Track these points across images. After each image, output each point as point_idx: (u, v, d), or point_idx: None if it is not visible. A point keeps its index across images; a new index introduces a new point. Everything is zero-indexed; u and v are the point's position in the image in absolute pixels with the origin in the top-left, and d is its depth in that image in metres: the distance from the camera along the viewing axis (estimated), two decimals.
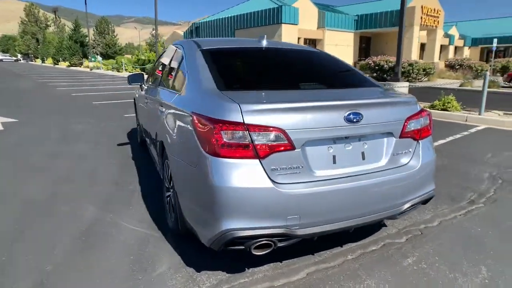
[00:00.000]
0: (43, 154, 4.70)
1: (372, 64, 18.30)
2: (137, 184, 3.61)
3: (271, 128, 1.78)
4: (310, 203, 1.84)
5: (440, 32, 29.13)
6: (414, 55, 27.06)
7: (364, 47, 32.94)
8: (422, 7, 25.99)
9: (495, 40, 21.24)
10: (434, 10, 27.36)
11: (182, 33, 43.16)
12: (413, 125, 2.19)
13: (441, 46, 30.94)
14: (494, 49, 21.70)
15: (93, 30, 58.90)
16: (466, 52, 36.70)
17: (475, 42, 37.03)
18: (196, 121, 1.92)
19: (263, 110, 1.80)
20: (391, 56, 25.18)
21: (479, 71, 21.38)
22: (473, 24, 39.14)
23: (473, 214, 3.02)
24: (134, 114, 5.42)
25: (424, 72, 18.26)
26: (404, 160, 2.18)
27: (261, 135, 1.77)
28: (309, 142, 1.86)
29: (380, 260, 2.30)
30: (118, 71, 30.04)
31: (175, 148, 2.20)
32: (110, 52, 62.78)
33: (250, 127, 1.76)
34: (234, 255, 2.28)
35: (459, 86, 16.42)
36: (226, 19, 31.11)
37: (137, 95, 4.69)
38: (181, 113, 2.22)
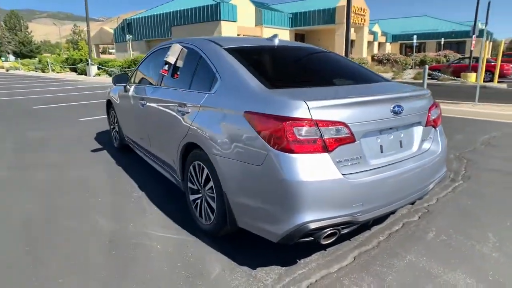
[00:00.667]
0: (13, 166, 4.19)
1: None
2: (139, 190, 3.44)
3: (337, 123, 1.89)
4: (370, 191, 1.98)
5: (366, 29, 31.55)
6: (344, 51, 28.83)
7: None
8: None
9: (415, 37, 23.76)
10: (361, 9, 29.55)
11: (110, 30, 40.55)
12: (432, 114, 2.46)
13: (368, 42, 33.56)
14: (415, 44, 24.21)
15: (1, 26, 52.45)
16: (388, 47, 40.28)
17: (395, 38, 40.83)
18: (258, 120, 1.94)
19: (327, 106, 1.89)
20: (330, 49, 26.57)
21: (404, 64, 23.74)
22: (393, 22, 43.08)
23: (459, 190, 3.45)
24: (95, 118, 5.08)
25: None
26: (427, 145, 2.44)
27: (328, 129, 1.87)
28: (365, 134, 2.01)
29: (407, 238, 2.55)
30: (44, 72, 27.22)
31: (222, 149, 2.17)
32: (25, 51, 56.56)
33: (318, 123, 1.85)
34: (277, 248, 2.35)
35: (392, 78, 18.06)
36: (162, 15, 30.05)
37: (116, 98, 4.40)
38: (226, 113, 2.21)
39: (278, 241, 1.97)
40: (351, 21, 29.07)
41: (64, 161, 4.39)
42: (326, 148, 1.86)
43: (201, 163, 2.47)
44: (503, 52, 15.41)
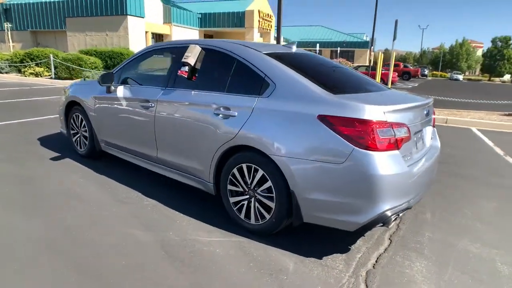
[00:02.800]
0: None
1: None
2: (147, 198, 3.24)
3: (402, 124, 2.24)
4: (416, 180, 2.40)
5: (272, 35, 33.48)
6: None
7: None
8: (259, 11, 29.24)
9: (318, 45, 26.33)
10: (268, 15, 31.25)
11: None
12: (433, 116, 3.03)
13: None
14: (318, 52, 26.79)
15: None
16: None
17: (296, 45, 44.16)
18: (339, 123, 2.16)
19: (395, 110, 2.24)
20: None
21: None
22: (293, 30, 46.60)
23: None
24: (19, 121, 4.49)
25: None
26: (433, 142, 3.00)
27: (398, 130, 2.21)
28: (413, 133, 2.42)
29: (417, 220, 3.07)
30: None
31: (290, 150, 2.31)
32: None
33: (393, 125, 2.17)
34: (321, 240, 2.61)
35: None
36: (53, 3, 26.58)
37: (91, 99, 3.95)
38: (291, 116, 2.36)
39: (355, 230, 2.23)
40: (260, 26, 30.52)
41: (28, 173, 3.77)
42: (397, 145, 2.20)
43: (253, 165, 2.54)
44: (384, 62, 18.33)
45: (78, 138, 4.36)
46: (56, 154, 4.42)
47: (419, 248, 2.59)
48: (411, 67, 37.06)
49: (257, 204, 2.60)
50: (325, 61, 3.35)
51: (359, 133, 2.12)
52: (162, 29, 27.97)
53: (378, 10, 17.18)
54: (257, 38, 30.48)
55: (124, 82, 3.72)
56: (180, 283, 2.07)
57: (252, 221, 2.64)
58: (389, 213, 2.17)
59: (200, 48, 3.05)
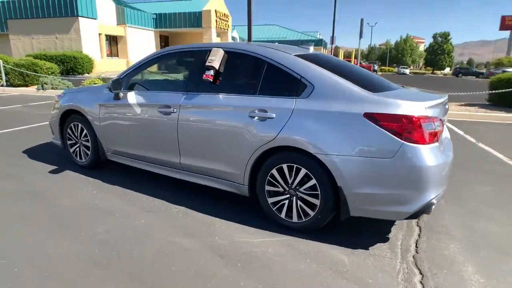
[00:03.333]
0: None
1: None
2: (173, 204, 3.18)
3: (438, 118, 2.44)
4: (448, 170, 2.60)
5: (229, 35, 33.47)
6: None
7: (164, 46, 33.66)
8: (215, 11, 29.08)
9: (277, 44, 26.81)
10: (224, 14, 31.19)
11: None
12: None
13: None
14: None
15: None
16: None
17: None
18: (386, 120, 2.30)
19: (431, 106, 2.43)
20: None
21: None
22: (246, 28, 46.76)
23: None
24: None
25: None
26: (446, 134, 3.25)
27: (436, 124, 2.40)
28: (442, 126, 2.63)
29: None
30: None
31: (336, 147, 2.41)
32: None
33: (433, 119, 2.36)
34: (352, 231, 2.77)
35: None
36: None
37: (94, 107, 3.76)
38: (336, 115, 2.46)
39: (404, 219, 2.39)
40: (217, 25, 30.38)
41: (34, 189, 3.51)
42: (437, 138, 2.39)
43: (295, 165, 2.61)
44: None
45: (78, 149, 4.12)
46: (52, 167, 4.14)
47: (447, 231, 2.82)
48: (364, 63, 38.98)
49: (299, 203, 2.67)
50: (341, 61, 3.48)
51: (407, 128, 2.28)
52: (116, 30, 26.87)
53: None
54: (214, 38, 30.31)
55: (131, 87, 3.60)
56: (252, 284, 2.09)
57: (295, 219, 2.71)
58: (434, 201, 2.35)
59: (223, 52, 3.05)
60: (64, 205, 3.14)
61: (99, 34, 24.66)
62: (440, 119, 2.50)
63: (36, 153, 4.73)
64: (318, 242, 2.59)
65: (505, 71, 25.21)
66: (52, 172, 4.00)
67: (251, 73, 2.96)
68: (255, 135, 2.74)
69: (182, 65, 3.62)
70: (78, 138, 4.08)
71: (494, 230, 2.85)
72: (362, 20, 13.75)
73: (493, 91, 9.84)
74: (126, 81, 3.61)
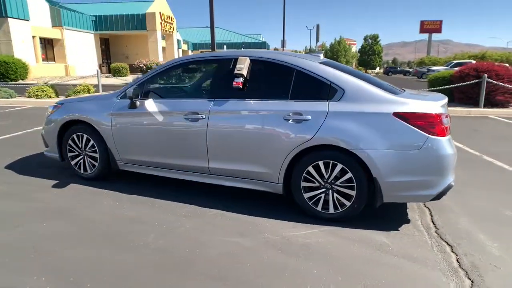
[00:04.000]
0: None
1: (144, 67, 18.75)
2: (205, 209, 3.27)
3: (447, 115, 2.89)
4: None
5: (175, 37, 32.86)
6: (161, 58, 29.31)
7: (104, 49, 32.03)
8: (160, 13, 28.38)
9: (225, 46, 26.99)
10: (169, 17, 30.57)
11: None
12: None
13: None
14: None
15: None
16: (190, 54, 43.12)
17: (195, 46, 44.10)
18: (413, 118, 2.70)
19: (442, 104, 2.87)
20: (144, 58, 26.28)
21: None
22: (190, 31, 46.28)
23: None
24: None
25: None
26: None
27: (448, 120, 2.85)
28: None
29: None
30: None
31: (371, 143, 2.74)
32: None
33: (446, 115, 2.81)
34: (380, 218, 3.16)
35: None
36: None
37: (104, 117, 3.67)
38: (367, 115, 2.80)
39: (429, 200, 2.80)
40: (162, 28, 29.68)
41: (51, 206, 3.34)
42: (449, 131, 2.84)
43: (331, 161, 2.90)
44: None
45: (81, 161, 3.98)
46: (52, 181, 3.94)
47: (450, 209, 3.31)
48: None
49: (335, 195, 2.97)
50: (349, 67, 3.85)
51: (431, 124, 2.70)
52: (52, 33, 24.96)
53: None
54: (160, 40, 29.58)
55: (147, 96, 3.60)
56: (323, 270, 2.33)
57: (331, 210, 3.00)
58: (453, 183, 2.81)
59: (249, 60, 3.24)
60: (96, 219, 3.07)
61: (33, 37, 22.69)
62: (449, 115, 2.97)
63: (23, 168, 4.43)
64: (356, 229, 2.90)
65: (430, 69, 28.35)
66: (56, 186, 3.81)
67: (281, 79, 3.18)
68: (292, 136, 2.97)
69: (202, 72, 3.71)
70: (83, 149, 3.94)
71: (484, 205, 3.42)
72: (318, 26, 14.53)
73: (432, 88, 11.12)
74: (141, 90, 3.60)
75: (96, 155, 3.86)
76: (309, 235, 2.81)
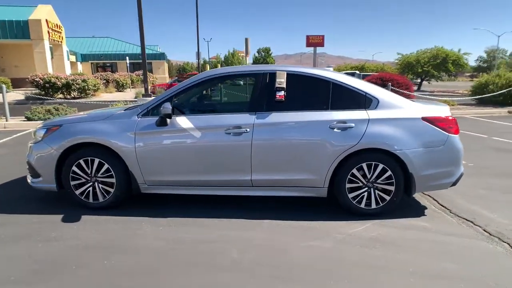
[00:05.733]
0: None
1: (41, 81, 16.39)
2: (255, 221, 3.32)
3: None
4: None
5: (64, 48, 29.47)
6: (50, 70, 25.98)
7: None
8: (47, 21, 25.16)
9: (127, 58, 25.50)
10: (57, 25, 27.36)
11: None
12: None
13: None
14: (128, 64, 25.70)
15: None
16: (80, 67, 39.09)
17: (85, 58, 40.17)
18: (436, 121, 3.31)
19: (449, 110, 3.58)
20: (26, 70, 23.03)
21: (124, 84, 24.93)
22: (78, 41, 41.89)
23: None
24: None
25: (95, 88, 18.90)
26: None
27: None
28: None
29: None
30: None
31: (408, 144, 3.25)
32: None
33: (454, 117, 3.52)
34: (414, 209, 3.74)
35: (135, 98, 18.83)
36: None
37: (130, 139, 3.36)
38: (402, 120, 3.30)
39: (449, 187, 3.45)
40: (50, 37, 26.41)
41: (86, 243, 2.89)
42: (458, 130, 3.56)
43: (373, 162, 3.32)
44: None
45: (89, 189, 3.52)
46: (59, 215, 3.38)
47: (448, 194, 4.07)
48: None
49: (377, 192, 3.39)
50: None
51: (449, 125, 3.35)
52: None
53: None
54: (48, 50, 26.18)
55: (174, 112, 3.44)
56: (405, 257, 2.70)
57: (373, 206, 3.41)
58: (463, 172, 3.51)
59: (286, 74, 3.44)
60: (157, 247, 2.82)
61: None
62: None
63: (11, 204, 3.65)
64: (396, 219, 3.37)
65: None
66: (70, 220, 3.30)
67: (319, 91, 3.46)
68: (338, 143, 3.29)
69: (234, 86, 3.69)
70: (91, 175, 3.49)
71: (466, 189, 4.31)
72: (247, 39, 15.01)
73: None
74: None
75: (112, 180, 3.48)
76: (367, 229, 3.15)
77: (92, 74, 32.31)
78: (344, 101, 3.45)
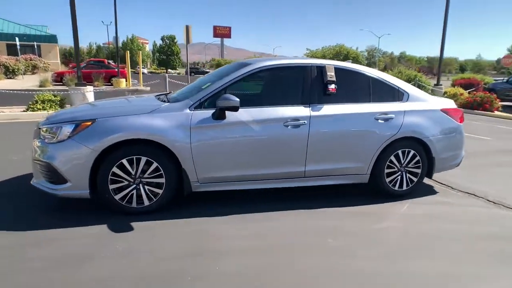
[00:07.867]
0: None
1: None
2: (304, 211, 3.44)
3: None
4: None
5: None
6: None
7: None
8: None
9: (17, 38, 21.53)
10: None
11: None
12: None
13: None
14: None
15: None
16: None
17: None
18: (451, 112, 3.91)
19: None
20: None
21: (15, 70, 21.10)
22: None
23: None
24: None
25: None
26: None
27: None
28: None
29: None
30: None
31: (433, 132, 3.76)
32: None
33: None
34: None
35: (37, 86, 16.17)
36: None
37: (185, 134, 3.07)
38: (428, 111, 3.80)
39: (455, 167, 4.12)
40: None
41: (155, 256, 2.58)
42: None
43: (406, 149, 3.75)
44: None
45: (134, 191, 3.11)
46: (99, 225, 2.91)
47: (443, 174, 4.80)
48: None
49: (408, 175, 3.84)
50: None
51: (459, 115, 3.99)
52: None
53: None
54: None
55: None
56: (458, 227, 3.19)
57: (404, 187, 3.86)
58: (464, 155, 4.23)
59: (334, 68, 3.60)
60: (252, 245, 2.71)
61: None
62: None
63: (25, 217, 2.95)
64: (420, 197, 3.89)
65: None
66: (124, 230, 2.88)
67: (361, 85, 3.70)
68: (382, 132, 3.62)
69: (283, 79, 3.61)
70: (136, 177, 3.09)
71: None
72: (187, 26, 14.04)
73: None
74: (215, 98, 3.25)
75: (160, 180, 3.14)
76: (410, 208, 3.60)
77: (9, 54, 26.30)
78: (382, 94, 3.79)
